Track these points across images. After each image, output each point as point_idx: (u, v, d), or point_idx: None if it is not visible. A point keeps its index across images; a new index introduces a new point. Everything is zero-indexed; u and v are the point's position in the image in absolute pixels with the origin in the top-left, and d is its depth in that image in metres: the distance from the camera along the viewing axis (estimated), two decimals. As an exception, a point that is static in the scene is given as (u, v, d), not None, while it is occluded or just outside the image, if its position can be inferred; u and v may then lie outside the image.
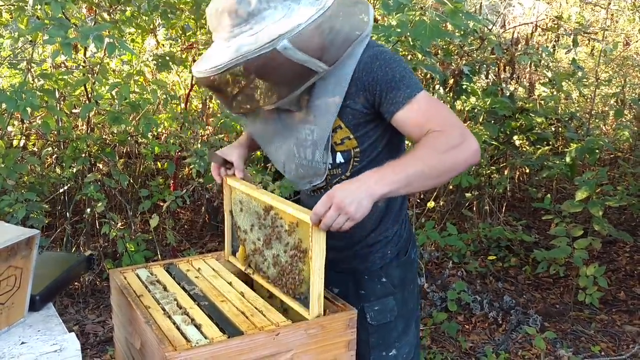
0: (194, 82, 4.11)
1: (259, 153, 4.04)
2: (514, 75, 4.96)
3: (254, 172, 3.59)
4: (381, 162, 1.44)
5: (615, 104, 5.68)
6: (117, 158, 4.00)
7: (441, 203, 4.63)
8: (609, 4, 5.49)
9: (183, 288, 1.67)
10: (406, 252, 1.75)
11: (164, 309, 1.53)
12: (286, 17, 1.44)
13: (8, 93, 2.91)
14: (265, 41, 1.40)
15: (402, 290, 1.73)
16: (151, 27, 4.11)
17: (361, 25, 1.50)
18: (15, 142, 4.05)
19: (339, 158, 1.62)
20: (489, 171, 4.60)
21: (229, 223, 1.84)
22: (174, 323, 1.46)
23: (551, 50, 4.82)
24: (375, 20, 3.71)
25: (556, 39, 5.05)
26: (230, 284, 1.70)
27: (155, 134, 4.34)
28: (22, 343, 1.36)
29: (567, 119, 4.83)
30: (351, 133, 1.58)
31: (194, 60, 4.16)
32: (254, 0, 1.45)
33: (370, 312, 1.68)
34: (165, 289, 1.67)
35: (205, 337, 1.39)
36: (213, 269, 1.81)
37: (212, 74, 1.48)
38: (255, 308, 1.54)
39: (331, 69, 1.48)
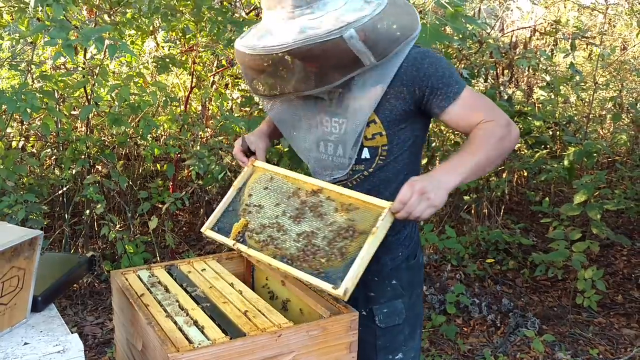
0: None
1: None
2: (513, 79, 4.99)
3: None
4: (402, 163, 1.49)
5: (612, 107, 5.72)
6: (117, 160, 4.00)
7: (440, 206, 4.63)
8: (607, 8, 5.52)
9: (185, 289, 1.67)
10: (415, 256, 1.76)
11: (165, 310, 1.53)
12: (347, 7, 1.48)
13: (8, 94, 2.91)
14: (333, 27, 1.44)
15: (410, 294, 1.73)
16: (151, 29, 4.12)
17: (413, 25, 1.54)
18: (14, 144, 4.05)
19: (365, 153, 1.63)
20: (487, 174, 4.61)
21: (229, 199, 1.81)
22: (176, 324, 1.46)
23: (549, 54, 4.84)
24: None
25: (554, 43, 5.08)
26: (231, 285, 1.70)
27: (155, 135, 4.34)
28: (25, 344, 1.36)
29: (565, 122, 4.85)
30: (384, 129, 1.59)
31: (194, 62, 4.16)
32: None
33: (379, 314, 1.69)
34: (166, 290, 1.67)
35: (208, 339, 1.39)
36: (214, 271, 1.81)
37: (273, 52, 1.48)
38: (257, 309, 1.54)
39: (378, 63, 1.52)
